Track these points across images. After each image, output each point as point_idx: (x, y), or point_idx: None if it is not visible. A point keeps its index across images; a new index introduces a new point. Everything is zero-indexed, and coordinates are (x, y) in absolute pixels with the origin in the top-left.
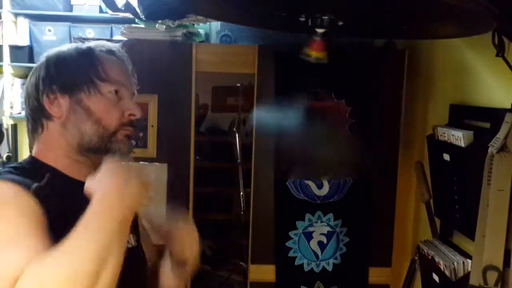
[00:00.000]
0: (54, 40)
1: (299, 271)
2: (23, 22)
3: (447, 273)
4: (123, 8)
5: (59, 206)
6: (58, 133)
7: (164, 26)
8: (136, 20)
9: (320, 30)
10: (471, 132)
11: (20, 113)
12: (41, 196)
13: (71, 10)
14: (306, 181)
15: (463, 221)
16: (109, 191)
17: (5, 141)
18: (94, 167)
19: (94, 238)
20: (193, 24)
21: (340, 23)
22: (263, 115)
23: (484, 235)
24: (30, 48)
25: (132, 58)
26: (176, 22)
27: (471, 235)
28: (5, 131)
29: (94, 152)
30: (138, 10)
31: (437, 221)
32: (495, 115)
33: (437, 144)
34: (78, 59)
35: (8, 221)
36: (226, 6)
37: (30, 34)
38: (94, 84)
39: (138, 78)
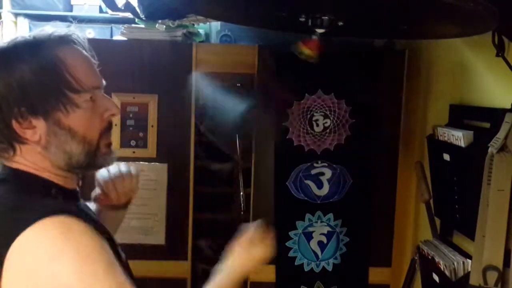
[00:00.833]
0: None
1: (299, 271)
2: (23, 22)
3: (447, 273)
4: (123, 8)
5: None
6: (39, 155)
7: (164, 26)
8: (136, 20)
9: (320, 30)
10: (471, 132)
11: None
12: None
13: (71, 10)
14: (306, 181)
15: (463, 221)
16: (239, 265)
17: None
18: (76, 177)
19: None
20: (193, 24)
21: (340, 23)
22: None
23: (484, 235)
24: None
25: (132, 58)
26: (176, 22)
27: (471, 235)
28: None
29: (82, 169)
30: (138, 10)
31: (437, 221)
32: (495, 115)
33: (437, 144)
34: (39, 67)
35: (94, 260)
36: (226, 6)
37: None
38: (69, 99)
39: (138, 78)
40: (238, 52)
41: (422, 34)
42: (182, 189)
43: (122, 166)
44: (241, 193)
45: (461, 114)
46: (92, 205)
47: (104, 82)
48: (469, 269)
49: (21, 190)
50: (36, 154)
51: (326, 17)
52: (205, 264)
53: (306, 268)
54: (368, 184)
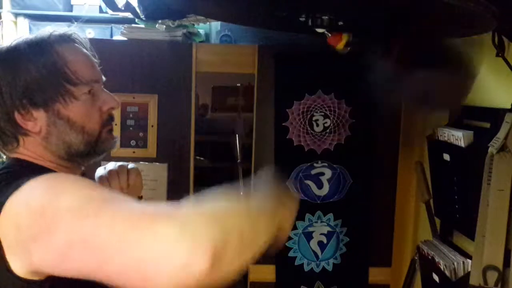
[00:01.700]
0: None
1: (299, 271)
2: (23, 22)
3: (447, 273)
4: (123, 8)
5: None
6: (40, 146)
7: (164, 26)
8: (136, 20)
9: (320, 30)
10: (471, 132)
11: None
12: None
13: (71, 10)
14: (306, 181)
15: (463, 221)
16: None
17: None
18: (78, 170)
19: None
20: (193, 24)
21: (340, 23)
22: None
23: (484, 235)
24: None
25: (132, 58)
26: (176, 22)
27: (471, 235)
28: None
29: (83, 157)
30: (138, 10)
31: (437, 221)
32: (495, 115)
33: (437, 144)
34: (40, 62)
35: (98, 191)
36: (226, 6)
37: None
38: (68, 91)
39: (138, 78)
40: (238, 52)
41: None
42: (182, 189)
43: (120, 163)
44: (241, 193)
45: (461, 114)
46: None
47: (104, 78)
48: (469, 269)
49: (20, 171)
50: (37, 145)
51: (326, 17)
52: None
53: (306, 268)
54: (368, 184)
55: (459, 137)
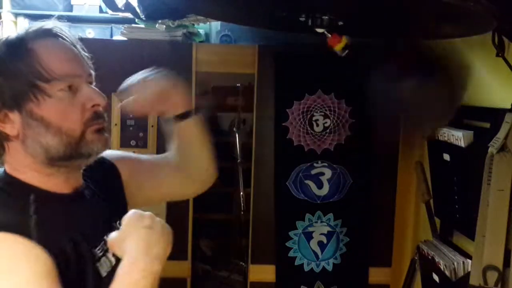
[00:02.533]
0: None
1: (299, 271)
2: (23, 22)
3: (447, 273)
4: (123, 8)
5: (57, 236)
6: (21, 151)
7: (164, 26)
8: (136, 20)
9: (320, 30)
10: (471, 132)
11: None
12: (41, 235)
13: (71, 10)
14: (306, 181)
15: (463, 221)
16: (136, 251)
17: None
18: (73, 173)
19: None
20: (193, 24)
21: (340, 23)
22: None
23: (484, 235)
24: None
25: (132, 58)
26: (176, 22)
27: (471, 235)
28: None
29: (66, 160)
30: (138, 10)
31: (437, 221)
32: (495, 115)
33: (437, 144)
34: (12, 62)
35: (21, 282)
36: (226, 6)
37: None
38: (39, 89)
39: None
40: (238, 52)
41: (422, 34)
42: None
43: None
44: (241, 193)
45: (461, 114)
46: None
47: (92, 72)
48: (469, 269)
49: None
50: (18, 151)
51: (326, 17)
52: (205, 264)
53: (306, 268)
54: (368, 184)
55: (459, 137)
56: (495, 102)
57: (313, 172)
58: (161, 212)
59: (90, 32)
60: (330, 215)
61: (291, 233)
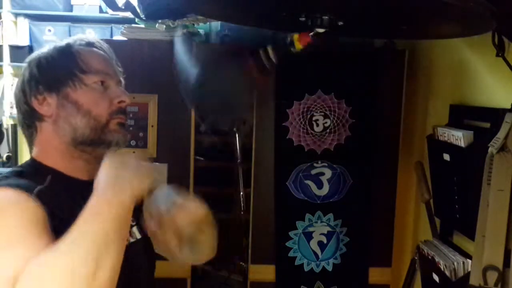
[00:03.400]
0: (54, 40)
1: (299, 271)
2: (23, 22)
3: (447, 273)
4: (123, 7)
5: (62, 207)
6: (51, 132)
7: (164, 26)
8: (136, 20)
9: (320, 30)
10: (471, 132)
11: None
12: (43, 198)
13: (71, 10)
14: (306, 181)
15: (463, 221)
16: (104, 182)
17: (5, 141)
18: (93, 162)
19: (91, 237)
20: (193, 24)
21: (340, 23)
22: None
23: (484, 235)
24: (30, 48)
25: (132, 58)
26: (176, 22)
27: (471, 235)
28: (5, 131)
29: (89, 145)
30: (138, 9)
31: (437, 221)
32: (495, 115)
33: (437, 144)
34: (58, 56)
35: (6, 225)
36: (226, 6)
37: (30, 34)
38: (78, 78)
39: (138, 78)
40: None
41: (422, 34)
42: (182, 189)
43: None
44: (241, 193)
45: (461, 114)
46: None
47: (122, 80)
48: (469, 269)
49: (21, 177)
50: (49, 130)
51: (326, 17)
52: (205, 264)
53: (306, 268)
54: (368, 184)
55: (459, 137)
56: (495, 102)
57: (313, 172)
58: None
59: (90, 32)
60: (330, 215)
61: (291, 233)
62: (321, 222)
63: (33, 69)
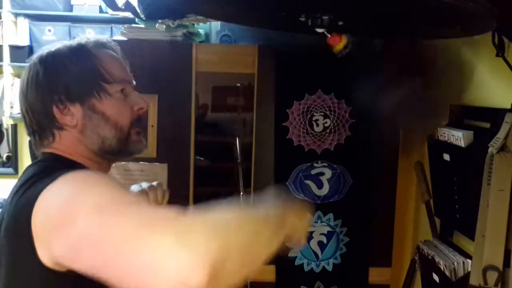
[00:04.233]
0: (54, 40)
1: (299, 271)
2: (23, 22)
3: (447, 273)
4: (123, 7)
5: None
6: (75, 140)
7: (164, 26)
8: (136, 20)
9: (320, 30)
10: (471, 132)
11: (20, 113)
12: None
13: (71, 10)
14: (306, 181)
15: (463, 221)
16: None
17: (5, 141)
18: (108, 168)
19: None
20: (193, 24)
21: (340, 23)
22: None
23: (484, 235)
24: (30, 48)
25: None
26: (176, 22)
27: (471, 235)
28: (5, 131)
29: (114, 155)
30: (138, 9)
31: (437, 221)
32: (495, 115)
33: (437, 144)
34: (78, 62)
35: (113, 184)
36: (226, 6)
37: (30, 34)
38: (102, 88)
39: (138, 78)
40: (238, 52)
41: (422, 34)
42: (182, 189)
43: (155, 182)
44: (241, 193)
45: (461, 114)
46: None
47: (134, 82)
48: (469, 269)
49: (57, 165)
50: (72, 139)
51: (326, 17)
52: None
53: (306, 268)
54: (368, 184)
55: (459, 137)
56: (495, 102)
57: (313, 172)
58: None
59: (90, 32)
60: (330, 215)
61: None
62: (321, 222)
63: (52, 76)
